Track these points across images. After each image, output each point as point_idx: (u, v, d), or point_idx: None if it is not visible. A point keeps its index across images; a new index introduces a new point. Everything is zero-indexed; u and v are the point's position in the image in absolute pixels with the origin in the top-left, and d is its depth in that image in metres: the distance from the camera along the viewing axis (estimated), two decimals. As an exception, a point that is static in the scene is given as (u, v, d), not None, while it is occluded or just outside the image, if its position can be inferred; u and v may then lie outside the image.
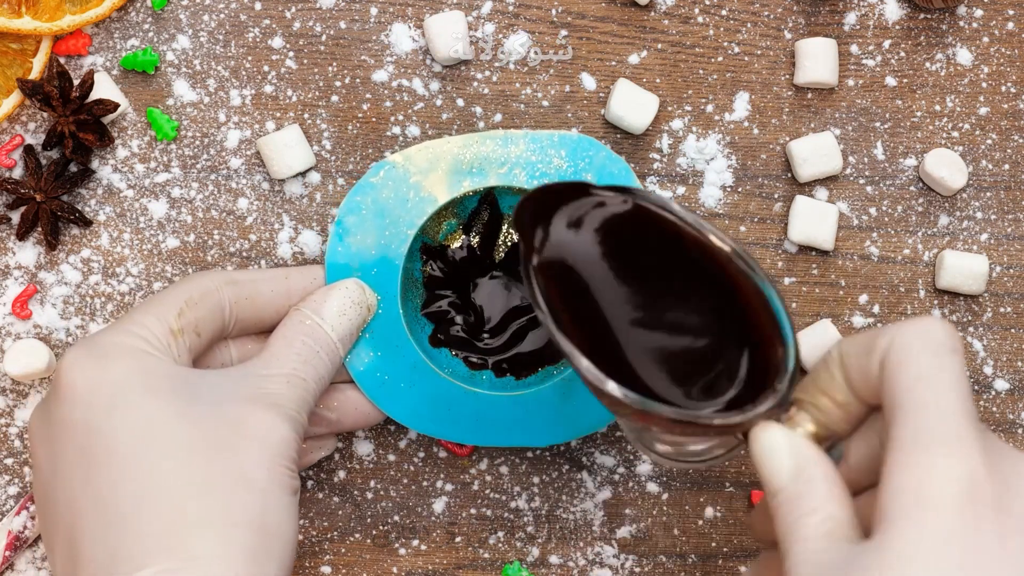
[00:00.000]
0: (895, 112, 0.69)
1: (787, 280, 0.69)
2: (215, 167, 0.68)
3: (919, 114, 0.69)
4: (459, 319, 0.67)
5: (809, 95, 0.69)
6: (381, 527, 0.68)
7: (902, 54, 0.69)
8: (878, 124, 0.69)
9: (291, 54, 0.68)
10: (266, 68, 0.68)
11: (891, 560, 0.48)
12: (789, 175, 0.69)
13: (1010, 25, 0.69)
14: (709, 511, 0.69)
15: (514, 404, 0.65)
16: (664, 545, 0.69)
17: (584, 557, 0.69)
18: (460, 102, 0.68)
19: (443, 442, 0.68)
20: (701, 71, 0.69)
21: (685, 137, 0.69)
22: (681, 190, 0.69)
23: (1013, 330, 0.69)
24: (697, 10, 0.69)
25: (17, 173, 0.68)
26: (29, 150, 0.67)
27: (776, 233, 0.69)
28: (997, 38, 0.69)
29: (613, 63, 0.69)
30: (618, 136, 0.69)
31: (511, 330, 0.67)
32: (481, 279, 0.67)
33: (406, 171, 0.65)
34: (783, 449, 0.53)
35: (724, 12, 0.69)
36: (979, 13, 0.69)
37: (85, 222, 0.67)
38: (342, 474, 0.68)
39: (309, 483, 0.68)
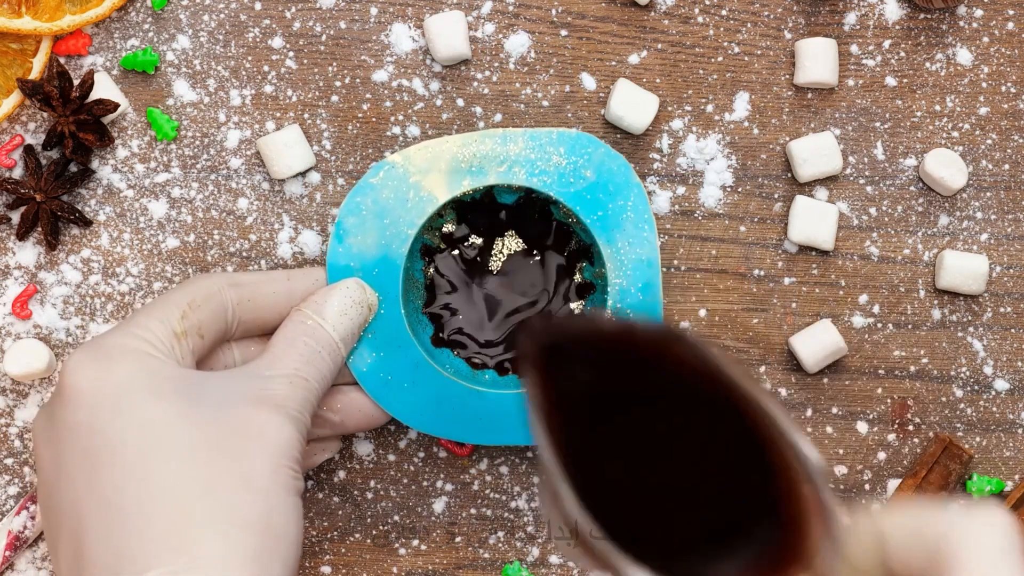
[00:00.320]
0: (895, 112, 0.69)
1: (787, 280, 0.69)
2: (215, 167, 0.68)
3: (919, 114, 0.69)
4: (460, 319, 0.67)
5: (809, 95, 0.69)
6: (381, 527, 0.68)
7: (902, 54, 0.69)
8: (878, 124, 0.69)
9: (291, 54, 0.68)
10: (266, 68, 0.68)
11: None
12: (789, 175, 0.69)
13: (1010, 25, 0.69)
14: (709, 511, 0.69)
15: (517, 402, 0.65)
16: (664, 545, 0.69)
17: (584, 557, 0.69)
18: (460, 102, 0.68)
19: (443, 442, 0.68)
20: (701, 71, 0.69)
21: (685, 137, 0.69)
22: (681, 190, 0.69)
23: (1013, 330, 0.69)
24: (697, 10, 0.69)
25: (17, 173, 0.68)
26: (29, 150, 0.67)
27: (776, 233, 0.69)
28: (997, 38, 0.69)
29: (613, 63, 0.69)
30: (618, 136, 0.69)
31: (512, 329, 0.67)
32: (482, 278, 0.67)
33: (406, 171, 0.65)
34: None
35: (724, 12, 0.69)
36: (979, 13, 0.69)
37: (85, 222, 0.67)
38: (342, 474, 0.68)
39: (309, 483, 0.68)
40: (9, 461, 0.68)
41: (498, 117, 0.68)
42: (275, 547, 0.55)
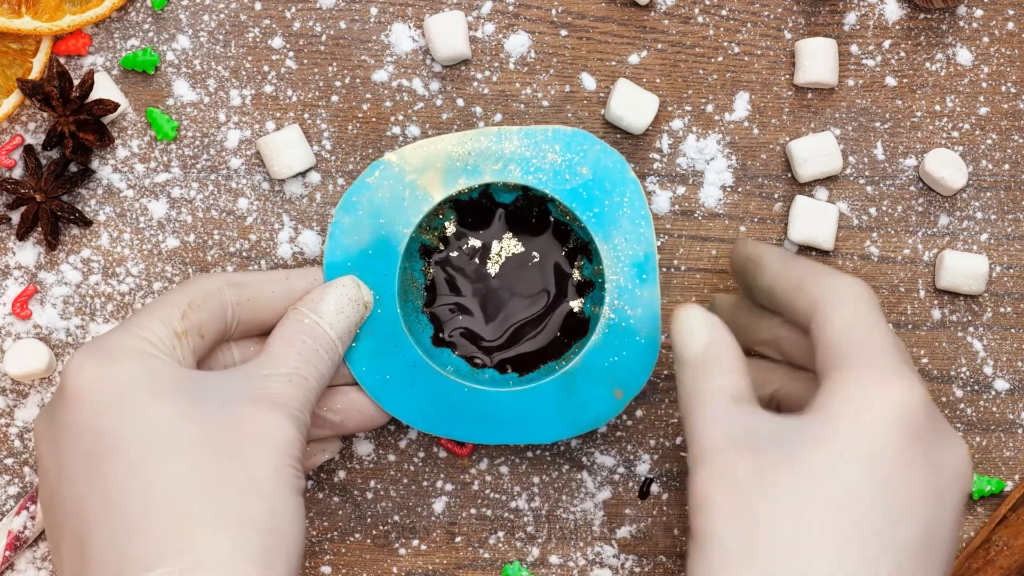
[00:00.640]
0: (895, 112, 0.69)
1: (787, 280, 0.69)
2: (215, 167, 0.68)
3: (919, 114, 0.69)
4: (460, 319, 0.67)
5: (809, 95, 0.69)
6: (381, 527, 0.68)
7: (902, 54, 0.69)
8: (878, 124, 0.69)
9: (291, 54, 0.68)
10: (266, 68, 0.68)
11: (827, 450, 0.53)
12: (789, 175, 0.69)
13: (1010, 25, 0.69)
14: (709, 511, 0.69)
15: (516, 400, 0.65)
16: (664, 545, 0.69)
17: (584, 557, 0.69)
18: (460, 102, 0.68)
19: (443, 442, 0.68)
20: (701, 71, 0.69)
21: (685, 137, 0.69)
22: (681, 190, 0.69)
23: (1013, 330, 0.69)
24: (697, 10, 0.69)
25: (17, 173, 0.68)
26: (29, 150, 0.67)
27: (776, 233, 0.69)
28: (997, 38, 0.69)
29: (613, 63, 0.69)
30: (618, 136, 0.69)
31: (512, 328, 0.67)
32: (481, 279, 0.67)
33: (401, 170, 0.65)
34: (700, 326, 0.58)
35: (724, 12, 0.69)
36: (979, 13, 0.69)
37: (85, 222, 0.67)
38: (342, 474, 0.68)
39: (309, 483, 0.68)
40: (9, 461, 0.68)
41: (498, 117, 0.68)
42: (279, 546, 0.55)
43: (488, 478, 0.69)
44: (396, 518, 0.68)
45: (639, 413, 0.68)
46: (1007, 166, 0.69)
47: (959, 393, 0.69)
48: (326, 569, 0.68)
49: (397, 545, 0.68)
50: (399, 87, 0.68)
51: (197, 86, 0.68)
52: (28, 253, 0.68)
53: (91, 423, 0.56)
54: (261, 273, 0.64)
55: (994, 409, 0.69)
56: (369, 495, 0.68)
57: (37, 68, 0.67)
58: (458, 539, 0.69)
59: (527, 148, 0.65)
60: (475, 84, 0.68)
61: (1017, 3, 0.69)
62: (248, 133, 0.68)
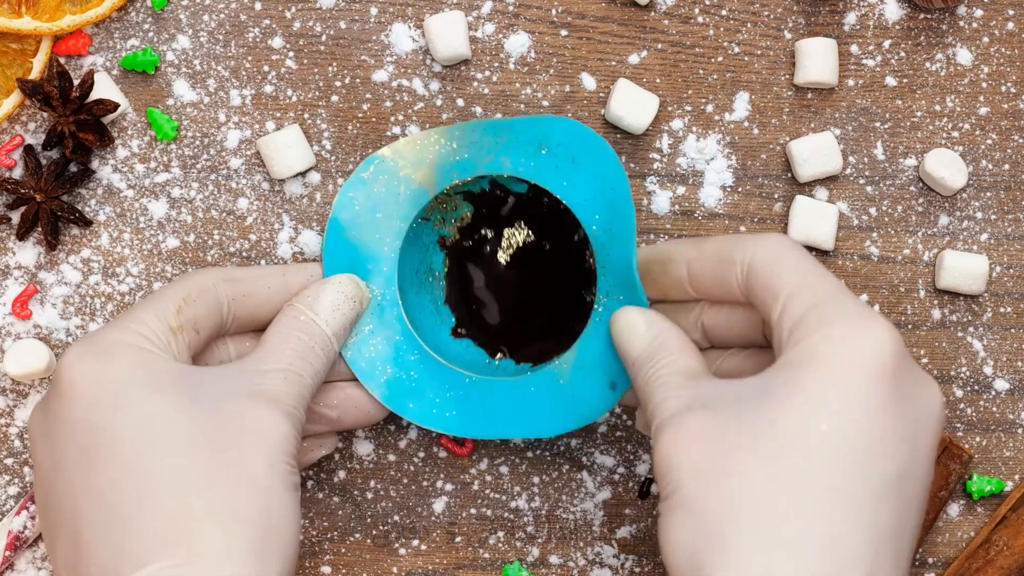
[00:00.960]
0: (895, 112, 0.69)
1: (787, 280, 0.69)
2: (215, 167, 0.68)
3: (919, 114, 0.69)
4: (475, 308, 0.67)
5: (809, 95, 0.69)
6: (381, 527, 0.68)
7: (902, 54, 0.69)
8: (878, 124, 0.69)
9: (291, 54, 0.68)
10: (266, 68, 0.68)
11: (793, 404, 0.53)
12: (789, 175, 0.69)
13: (1010, 25, 0.69)
14: (709, 511, 0.69)
15: (528, 391, 0.65)
16: (664, 545, 0.69)
17: (584, 557, 0.69)
18: (460, 102, 0.68)
19: (443, 442, 0.68)
20: (701, 71, 0.69)
21: (685, 137, 0.69)
22: (681, 190, 0.69)
23: (1013, 330, 0.69)
24: (697, 10, 0.69)
25: (17, 173, 0.68)
26: (29, 150, 0.67)
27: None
28: (997, 38, 0.69)
29: (613, 63, 0.69)
30: (618, 136, 0.69)
31: (524, 318, 0.67)
32: (495, 269, 0.67)
33: (396, 164, 0.65)
34: (640, 322, 0.60)
35: (724, 12, 0.69)
36: (979, 13, 0.69)
37: (85, 222, 0.67)
38: (342, 474, 0.68)
39: (309, 483, 0.68)
40: (9, 461, 0.68)
41: (498, 117, 0.68)
42: (274, 542, 0.56)
43: (488, 478, 0.69)
44: (396, 518, 0.68)
45: (639, 413, 0.68)
46: (1007, 166, 0.69)
47: (959, 393, 0.69)
48: (326, 569, 0.68)
49: (397, 545, 0.68)
50: (399, 87, 0.68)
51: (197, 86, 0.68)
52: (28, 253, 0.68)
53: (86, 419, 0.56)
54: (257, 268, 0.64)
55: (994, 409, 0.69)
56: (369, 495, 0.68)
57: (37, 68, 0.67)
58: (458, 539, 0.69)
59: (515, 139, 0.65)
60: (475, 84, 0.68)
61: (1017, 3, 0.69)
62: (248, 133, 0.68)
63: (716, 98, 0.69)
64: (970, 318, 0.69)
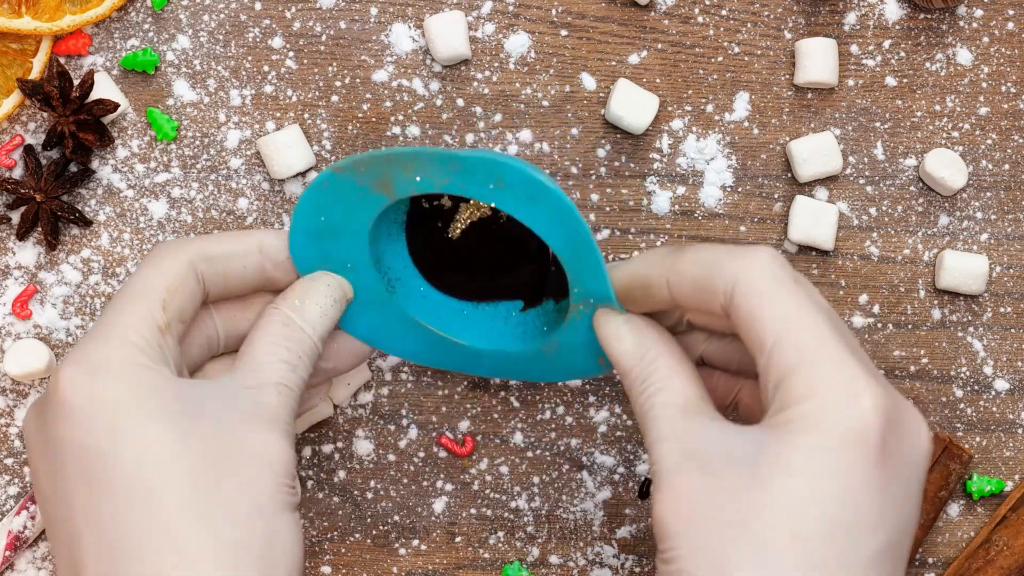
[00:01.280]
0: (895, 112, 0.69)
1: (787, 280, 0.69)
2: (215, 167, 0.68)
3: (919, 114, 0.69)
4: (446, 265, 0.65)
5: (809, 95, 0.69)
6: (381, 527, 0.68)
7: (902, 54, 0.69)
8: (878, 124, 0.69)
9: (291, 54, 0.68)
10: (266, 68, 0.68)
11: (785, 476, 0.52)
12: (789, 175, 0.69)
13: (1010, 25, 0.69)
14: (709, 511, 0.69)
15: (501, 332, 0.64)
16: (664, 545, 0.69)
17: (584, 557, 0.69)
18: (460, 102, 0.68)
19: (443, 442, 0.68)
20: (701, 71, 0.69)
21: (685, 137, 0.69)
22: (681, 190, 0.69)
23: (1013, 330, 0.69)
24: (697, 10, 0.69)
25: (17, 173, 0.68)
26: (29, 150, 0.67)
27: (776, 233, 0.69)
28: (997, 38, 0.69)
29: (613, 63, 0.69)
30: (618, 136, 0.69)
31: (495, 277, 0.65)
32: (475, 232, 0.65)
33: (351, 176, 0.60)
34: (624, 332, 0.58)
35: (724, 12, 0.69)
36: (979, 13, 0.69)
37: (85, 222, 0.67)
38: (342, 474, 0.68)
39: (309, 483, 0.68)
40: (9, 461, 0.68)
41: (498, 117, 0.68)
42: (279, 567, 0.55)
43: (488, 478, 0.69)
44: (396, 518, 0.68)
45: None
46: (1007, 166, 0.69)
47: (959, 393, 0.69)
48: (326, 569, 0.68)
49: (397, 545, 0.68)
50: (399, 87, 0.68)
51: (197, 86, 0.68)
52: (28, 253, 0.68)
53: (84, 442, 0.55)
54: (230, 241, 0.61)
55: (994, 409, 0.69)
56: (369, 495, 0.68)
57: (37, 68, 0.67)
58: (458, 539, 0.69)
59: (470, 173, 0.59)
60: (475, 84, 0.68)
61: (1017, 3, 0.69)
62: (248, 133, 0.68)
63: (716, 98, 0.69)
64: (970, 318, 0.69)
